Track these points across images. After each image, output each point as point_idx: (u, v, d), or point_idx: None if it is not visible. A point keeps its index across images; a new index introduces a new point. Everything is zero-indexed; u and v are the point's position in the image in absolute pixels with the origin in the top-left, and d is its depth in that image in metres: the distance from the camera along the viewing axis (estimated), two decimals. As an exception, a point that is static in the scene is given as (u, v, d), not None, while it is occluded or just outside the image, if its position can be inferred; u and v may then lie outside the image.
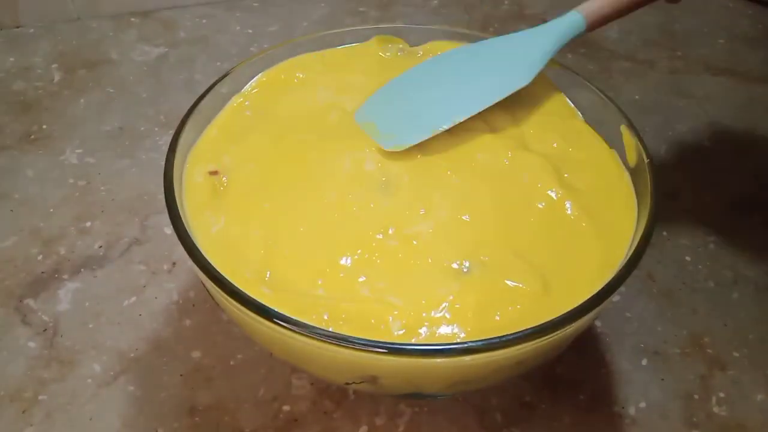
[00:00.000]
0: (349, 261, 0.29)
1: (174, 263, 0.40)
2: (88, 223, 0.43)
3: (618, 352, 0.36)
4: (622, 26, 0.61)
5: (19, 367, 0.35)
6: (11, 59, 0.56)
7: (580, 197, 0.32)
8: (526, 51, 0.36)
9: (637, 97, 0.54)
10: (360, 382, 0.28)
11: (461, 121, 0.34)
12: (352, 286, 0.28)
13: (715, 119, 0.51)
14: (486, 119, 0.36)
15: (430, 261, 0.29)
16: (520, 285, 0.28)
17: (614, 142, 0.35)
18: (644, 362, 0.36)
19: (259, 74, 0.38)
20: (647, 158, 0.31)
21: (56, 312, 0.38)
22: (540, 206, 0.31)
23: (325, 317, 0.26)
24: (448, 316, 0.27)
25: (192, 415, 0.33)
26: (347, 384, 0.29)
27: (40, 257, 0.41)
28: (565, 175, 0.33)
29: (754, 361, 0.36)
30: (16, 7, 0.59)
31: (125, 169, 0.47)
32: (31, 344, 0.36)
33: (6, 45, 0.58)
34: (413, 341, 0.26)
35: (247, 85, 0.38)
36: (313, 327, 0.24)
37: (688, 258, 0.41)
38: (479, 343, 0.24)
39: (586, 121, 0.37)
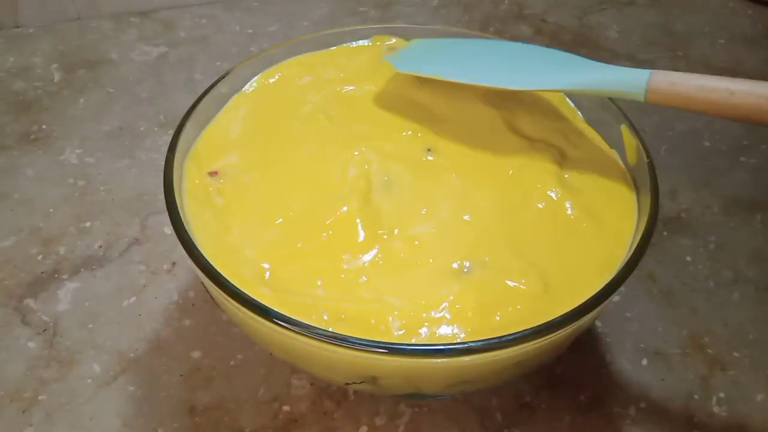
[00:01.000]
0: (349, 261, 0.29)
1: (174, 263, 0.40)
2: (88, 223, 0.43)
3: (618, 352, 0.36)
4: (622, 26, 0.61)
5: (19, 367, 0.35)
6: (11, 59, 0.56)
7: (581, 197, 0.32)
8: (566, 69, 0.34)
9: (637, 97, 0.54)
10: (360, 383, 0.28)
11: (470, 83, 0.34)
12: (352, 286, 0.28)
13: (715, 119, 0.51)
14: (486, 119, 0.36)
15: (431, 261, 0.29)
16: (521, 285, 0.28)
17: (614, 142, 0.35)
18: (644, 362, 0.36)
19: (259, 74, 0.38)
20: (647, 158, 0.31)
21: (56, 312, 0.38)
22: (540, 206, 0.31)
23: (325, 317, 0.27)
24: (448, 316, 0.27)
25: (192, 415, 0.33)
26: (347, 384, 0.29)
27: (39, 257, 0.41)
28: (566, 176, 0.33)
29: (754, 361, 0.36)
30: (16, 7, 0.59)
31: (125, 169, 0.47)
32: (31, 344, 0.36)
33: (6, 45, 0.58)
34: (413, 341, 0.26)
35: (247, 85, 0.38)
36: (313, 327, 0.24)
37: (688, 258, 0.41)
38: (479, 343, 0.24)
39: (586, 121, 0.37)
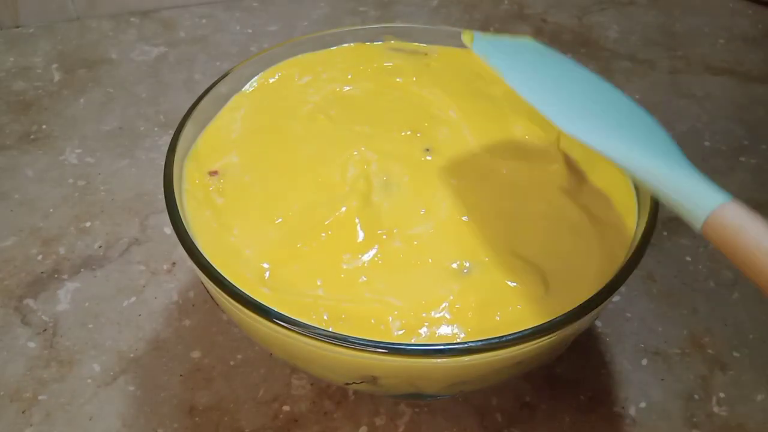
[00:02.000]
0: (349, 261, 0.29)
1: (174, 263, 0.40)
2: (88, 223, 0.43)
3: (618, 352, 0.36)
4: (622, 26, 0.61)
5: (19, 367, 0.35)
6: (11, 59, 0.56)
7: (580, 197, 0.32)
8: (641, 141, 0.27)
9: (637, 97, 0.54)
10: (360, 383, 0.28)
11: (566, 132, 0.27)
12: (352, 286, 0.28)
13: (715, 119, 0.51)
14: (486, 119, 0.36)
15: (430, 261, 0.29)
16: (521, 285, 0.28)
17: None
18: (644, 362, 0.36)
19: (259, 74, 0.38)
20: (647, 158, 0.31)
21: (56, 312, 0.38)
22: (540, 206, 0.31)
23: (325, 317, 0.27)
24: (448, 316, 0.27)
25: (192, 415, 0.33)
26: (347, 384, 0.29)
27: (39, 257, 0.41)
28: (566, 175, 0.33)
29: (754, 361, 0.36)
30: (16, 7, 0.59)
31: (125, 169, 0.47)
32: (31, 344, 0.36)
33: (6, 45, 0.58)
34: (413, 341, 0.26)
35: (247, 85, 0.38)
36: (313, 327, 0.24)
37: (688, 258, 0.41)
38: (479, 343, 0.24)
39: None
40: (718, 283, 0.40)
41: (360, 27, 0.41)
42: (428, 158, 0.34)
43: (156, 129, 0.50)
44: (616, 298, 0.38)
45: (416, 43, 0.41)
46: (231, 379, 0.35)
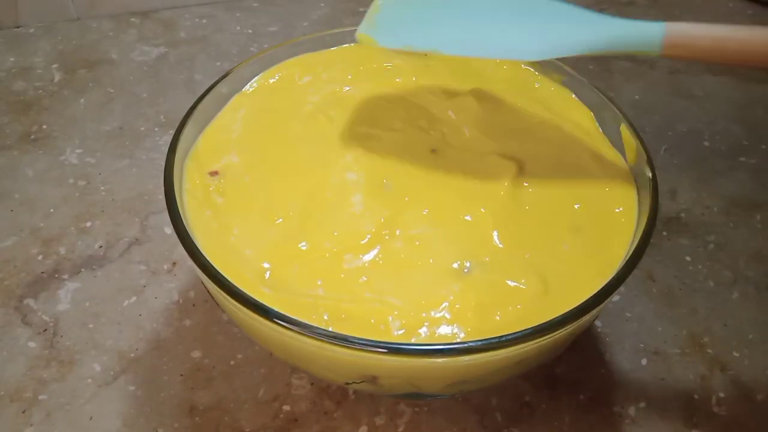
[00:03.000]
0: (349, 261, 0.29)
1: (174, 263, 0.40)
2: (88, 223, 0.43)
3: (618, 352, 0.36)
4: (622, 26, 0.61)
5: (19, 367, 0.35)
6: (11, 59, 0.56)
7: (580, 197, 0.32)
8: (572, 26, 0.30)
9: (637, 97, 0.54)
10: (360, 382, 0.28)
11: (476, 56, 0.31)
12: (352, 286, 0.28)
13: (715, 119, 0.51)
14: (487, 119, 0.36)
15: (431, 261, 0.29)
16: (520, 285, 0.28)
17: (614, 142, 0.35)
18: (644, 362, 0.36)
19: (259, 74, 0.38)
20: (647, 158, 0.31)
21: (56, 312, 0.38)
22: (540, 206, 0.31)
23: (325, 317, 0.27)
24: (448, 316, 0.27)
25: (192, 415, 0.33)
26: (347, 384, 0.29)
27: (40, 257, 0.41)
28: (566, 175, 0.33)
29: (754, 361, 0.36)
30: (16, 7, 0.59)
31: (125, 169, 0.47)
32: (31, 344, 0.36)
33: (6, 45, 0.58)
34: (413, 341, 0.26)
35: (247, 85, 0.38)
36: (313, 327, 0.24)
37: (688, 258, 0.41)
38: (479, 343, 0.24)
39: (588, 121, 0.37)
40: (718, 283, 0.40)
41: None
42: (430, 158, 0.34)
43: (156, 129, 0.50)
44: (616, 298, 0.38)
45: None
46: (231, 378, 0.35)
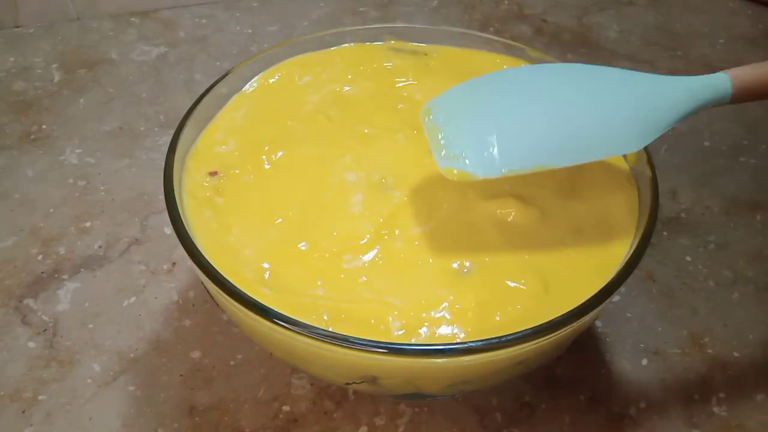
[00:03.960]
0: (349, 261, 0.29)
1: (174, 263, 0.40)
2: (88, 223, 0.43)
3: (618, 352, 0.36)
4: (622, 26, 0.61)
5: (19, 367, 0.35)
6: (11, 59, 0.56)
7: (581, 197, 0.32)
8: (651, 103, 0.29)
9: (637, 97, 0.54)
10: (360, 382, 0.28)
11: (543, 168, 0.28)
12: (352, 286, 0.28)
13: (715, 119, 0.51)
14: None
15: (431, 261, 0.29)
16: (520, 285, 0.28)
17: (614, 142, 0.35)
18: (644, 362, 0.36)
19: (259, 74, 0.38)
20: (647, 158, 0.31)
21: (56, 312, 0.38)
22: (540, 206, 0.31)
23: (325, 317, 0.27)
24: (448, 316, 0.27)
25: (192, 415, 0.33)
26: (347, 384, 0.29)
27: (40, 257, 0.41)
28: (566, 176, 0.33)
29: (754, 361, 0.36)
30: (16, 7, 0.59)
31: (125, 169, 0.47)
32: (31, 344, 0.36)
33: (6, 45, 0.58)
34: (413, 341, 0.26)
35: (247, 85, 0.38)
36: (313, 327, 0.24)
37: (688, 258, 0.41)
38: (479, 343, 0.24)
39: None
40: (718, 283, 0.40)
41: (360, 27, 0.41)
42: (428, 158, 0.34)
43: (156, 129, 0.50)
44: (616, 298, 0.38)
45: (416, 43, 0.41)
46: (231, 379, 0.35)
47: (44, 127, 0.50)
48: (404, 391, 0.29)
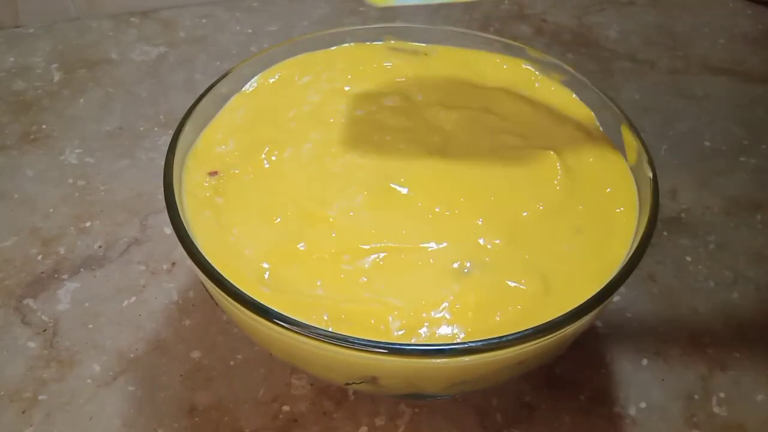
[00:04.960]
0: (349, 261, 0.29)
1: (174, 263, 0.40)
2: (88, 223, 0.43)
3: (618, 352, 0.36)
4: (622, 26, 0.61)
5: (19, 367, 0.35)
6: (11, 59, 0.56)
7: (581, 197, 0.32)
8: None
9: (637, 97, 0.54)
10: (360, 383, 0.28)
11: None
12: (352, 286, 0.28)
13: (715, 119, 0.51)
14: (488, 120, 0.36)
15: (431, 261, 0.29)
16: (520, 285, 0.28)
17: (615, 142, 0.35)
18: (644, 362, 0.36)
19: (259, 74, 0.38)
20: (647, 158, 0.31)
21: (56, 312, 0.38)
22: (540, 207, 0.31)
23: (325, 317, 0.26)
24: (448, 316, 0.27)
25: (192, 415, 0.33)
26: (347, 384, 0.29)
27: (39, 257, 0.41)
28: (567, 176, 0.33)
29: (754, 361, 0.36)
30: (16, 7, 0.59)
31: (125, 169, 0.47)
32: (31, 344, 0.36)
33: (6, 45, 0.58)
34: (413, 341, 0.26)
35: (247, 85, 0.38)
36: (313, 327, 0.24)
37: (688, 258, 0.41)
38: (479, 343, 0.24)
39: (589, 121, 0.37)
40: (718, 283, 0.40)
41: (360, 27, 0.41)
42: (428, 158, 0.34)
43: (156, 129, 0.50)
44: (616, 298, 0.38)
45: (416, 43, 0.41)
46: (231, 379, 0.35)
47: (44, 127, 0.50)
48: (404, 391, 0.29)
